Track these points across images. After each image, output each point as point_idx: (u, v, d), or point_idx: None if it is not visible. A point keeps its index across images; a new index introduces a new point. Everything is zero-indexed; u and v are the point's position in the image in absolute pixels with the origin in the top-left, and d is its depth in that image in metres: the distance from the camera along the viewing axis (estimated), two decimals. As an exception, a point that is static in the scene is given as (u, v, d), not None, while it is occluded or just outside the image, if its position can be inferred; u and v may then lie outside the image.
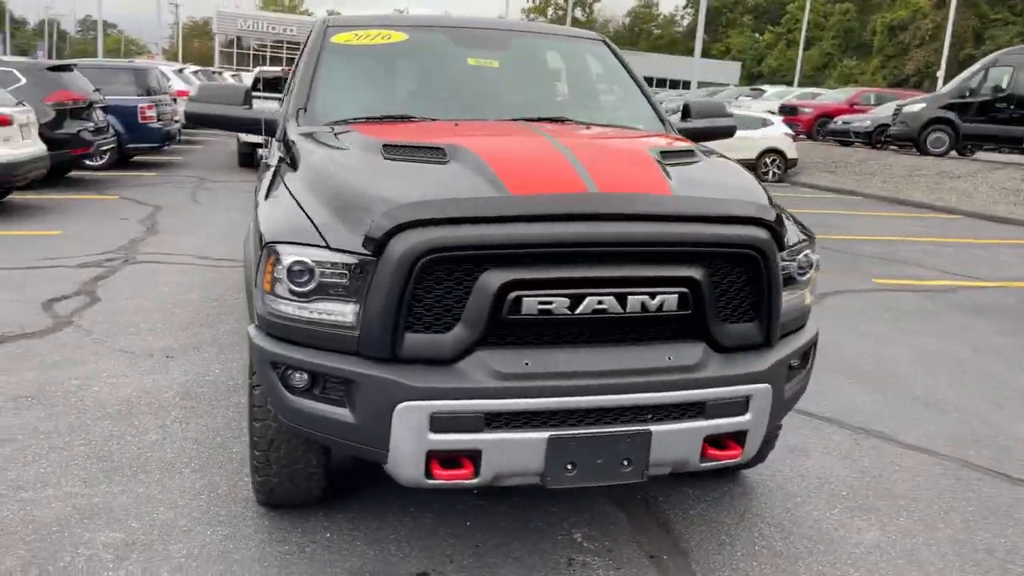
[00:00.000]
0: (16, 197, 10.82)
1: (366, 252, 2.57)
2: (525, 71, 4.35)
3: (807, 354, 3.20)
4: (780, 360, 2.91)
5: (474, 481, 2.67)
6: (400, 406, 2.55)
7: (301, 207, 2.84)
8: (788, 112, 26.17)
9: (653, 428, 2.71)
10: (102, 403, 4.40)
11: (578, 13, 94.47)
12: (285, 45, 59.97)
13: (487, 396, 2.59)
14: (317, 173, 2.99)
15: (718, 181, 3.14)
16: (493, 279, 2.54)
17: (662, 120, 4.19)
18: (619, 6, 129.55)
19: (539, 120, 3.81)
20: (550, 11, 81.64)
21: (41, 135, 11.13)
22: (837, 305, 7.50)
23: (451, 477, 2.65)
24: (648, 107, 4.26)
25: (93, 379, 4.73)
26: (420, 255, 2.51)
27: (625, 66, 4.43)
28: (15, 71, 11.84)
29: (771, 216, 2.85)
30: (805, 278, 3.09)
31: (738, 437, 2.86)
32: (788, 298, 3.00)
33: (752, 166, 19.60)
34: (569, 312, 2.60)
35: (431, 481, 2.65)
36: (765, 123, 20.18)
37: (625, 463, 2.71)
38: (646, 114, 4.23)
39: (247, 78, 23.92)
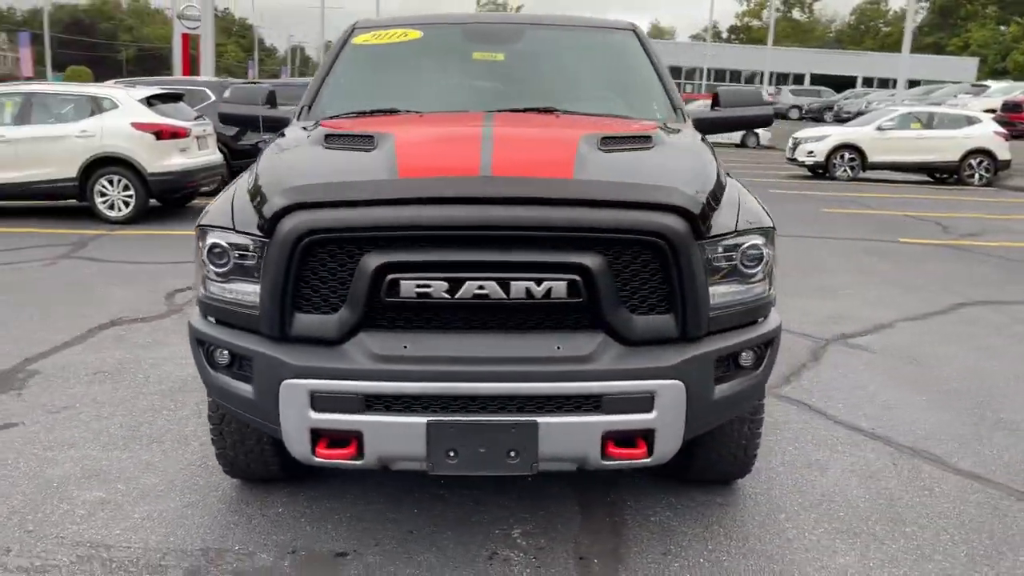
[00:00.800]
0: (200, 201, 12.03)
1: (260, 234, 2.69)
2: (532, 63, 4.29)
3: (760, 354, 2.94)
4: (697, 357, 2.69)
5: (359, 462, 2.70)
6: (284, 383, 2.64)
7: (233, 194, 3.01)
8: (1011, 109, 23.63)
9: (540, 420, 2.60)
10: (161, 381, 4.85)
11: (796, 14, 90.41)
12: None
13: (364, 378, 2.61)
14: (260, 164, 3.16)
15: (649, 167, 2.96)
16: (371, 261, 2.57)
17: (675, 108, 4.00)
18: (844, 4, 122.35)
19: (526, 111, 3.78)
20: (765, 13, 78.55)
21: (225, 145, 12.36)
22: (973, 317, 6.73)
23: (334, 456, 2.70)
24: (663, 95, 4.07)
25: (167, 360, 5.21)
26: (302, 236, 2.59)
27: (650, 56, 4.25)
28: (206, 89, 13.22)
29: (686, 203, 2.65)
30: (752, 271, 2.85)
31: (646, 436, 2.70)
32: (726, 291, 2.79)
33: (955, 169, 17.92)
34: (448, 296, 2.57)
35: (317, 459, 2.72)
36: (971, 121, 18.37)
37: (511, 454, 2.63)
38: (658, 102, 4.05)
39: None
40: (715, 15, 60.47)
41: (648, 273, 2.66)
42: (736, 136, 35.90)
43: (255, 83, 12.78)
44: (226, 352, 2.85)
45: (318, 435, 2.69)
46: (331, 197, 2.64)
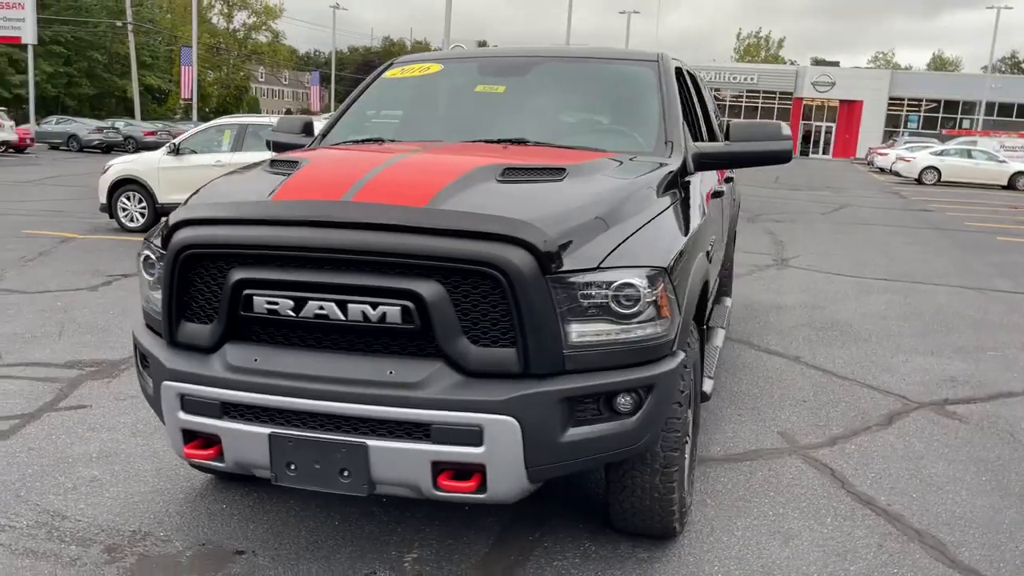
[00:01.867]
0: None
1: (161, 247, 2.99)
2: (531, 96, 4.31)
3: (638, 400, 2.76)
4: (537, 394, 2.60)
5: (222, 465, 2.90)
6: (163, 384, 2.91)
7: None
8: None
9: (370, 443, 2.65)
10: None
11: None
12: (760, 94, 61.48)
13: (219, 386, 2.80)
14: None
15: (520, 199, 2.90)
16: (232, 276, 2.77)
17: (666, 141, 3.81)
18: None
19: (499, 141, 3.82)
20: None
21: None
22: None
23: (201, 457, 2.91)
24: (658, 127, 3.91)
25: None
26: (181, 250, 2.85)
27: (663, 88, 4.09)
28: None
29: (528, 236, 2.57)
30: (628, 311, 2.70)
31: (479, 471, 2.64)
32: (594, 330, 2.67)
33: None
34: (293, 315, 2.70)
35: (187, 458, 2.95)
36: None
37: (344, 473, 2.69)
38: (647, 135, 3.91)
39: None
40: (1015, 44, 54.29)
41: (489, 305, 2.62)
42: (1004, 178, 32.63)
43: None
44: (141, 353, 3.16)
45: (188, 435, 2.91)
46: (207, 215, 2.88)
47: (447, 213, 2.67)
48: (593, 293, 2.65)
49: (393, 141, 3.99)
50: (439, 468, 2.65)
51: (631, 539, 3.37)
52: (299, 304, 2.68)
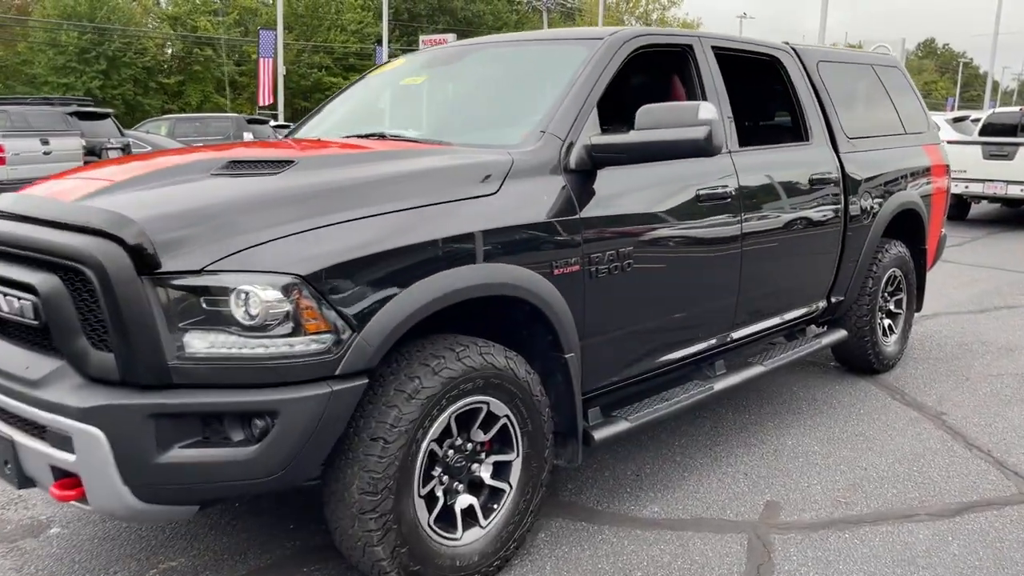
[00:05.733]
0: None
1: None
2: (441, 86, 4.03)
3: (264, 427, 2.28)
4: (121, 407, 2.22)
5: None
6: None
7: None
8: None
9: (15, 436, 2.42)
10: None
11: None
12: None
13: None
14: None
15: (175, 194, 2.54)
16: None
17: (542, 132, 3.04)
18: None
19: (367, 136, 3.54)
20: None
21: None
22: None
23: None
24: (542, 118, 3.11)
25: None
26: None
27: (584, 69, 3.27)
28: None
29: (124, 231, 2.23)
30: (253, 324, 2.23)
31: (77, 480, 2.32)
32: (208, 341, 2.24)
33: None
34: None
35: None
36: None
37: (7, 465, 2.47)
38: (528, 125, 3.12)
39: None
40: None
41: (95, 304, 2.29)
42: None
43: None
44: None
45: None
46: None
47: (58, 205, 2.51)
48: (208, 300, 2.24)
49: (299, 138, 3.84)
50: (57, 472, 2.36)
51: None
52: None
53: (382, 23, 36.11)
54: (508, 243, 2.73)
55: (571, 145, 3.05)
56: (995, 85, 58.53)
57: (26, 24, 38.22)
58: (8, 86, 34.69)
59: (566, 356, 2.93)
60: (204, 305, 2.23)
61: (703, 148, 2.99)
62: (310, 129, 4.04)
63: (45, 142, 12.81)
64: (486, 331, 2.84)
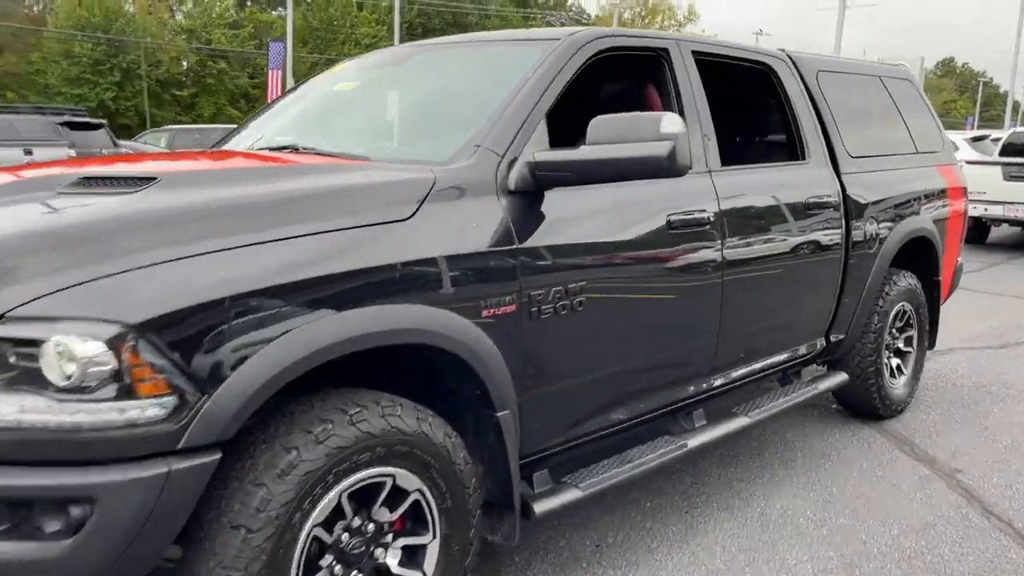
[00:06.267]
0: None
1: None
2: (370, 93, 3.57)
3: (81, 517, 1.80)
4: None
5: None
6: None
7: None
8: None
9: None
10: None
11: None
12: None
13: None
14: None
15: (3, 217, 2.07)
16: None
17: (476, 146, 2.55)
18: None
19: (280, 148, 3.10)
20: None
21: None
22: None
23: None
24: (478, 131, 2.62)
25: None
26: None
27: (533, 74, 2.77)
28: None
29: None
30: (68, 385, 1.75)
31: None
32: (12, 406, 1.75)
33: None
34: None
35: None
36: None
37: None
38: (461, 138, 2.63)
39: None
40: None
41: None
42: None
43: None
44: None
45: None
46: None
47: None
48: (16, 353, 1.77)
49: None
50: None
51: None
52: None
53: (395, 38, 36.12)
54: (418, 279, 2.23)
55: (512, 162, 2.55)
56: (1016, 105, 57.72)
57: (40, 34, 38.34)
58: (22, 95, 34.66)
59: (498, 414, 2.42)
60: (11, 360, 1.77)
61: (665, 168, 2.46)
62: (241, 139, 3.55)
63: (28, 152, 12.45)
64: (404, 383, 2.37)
